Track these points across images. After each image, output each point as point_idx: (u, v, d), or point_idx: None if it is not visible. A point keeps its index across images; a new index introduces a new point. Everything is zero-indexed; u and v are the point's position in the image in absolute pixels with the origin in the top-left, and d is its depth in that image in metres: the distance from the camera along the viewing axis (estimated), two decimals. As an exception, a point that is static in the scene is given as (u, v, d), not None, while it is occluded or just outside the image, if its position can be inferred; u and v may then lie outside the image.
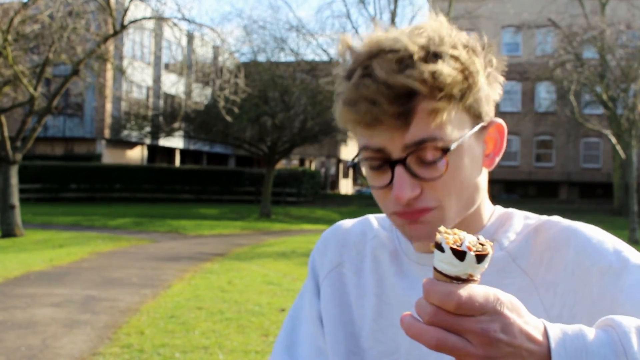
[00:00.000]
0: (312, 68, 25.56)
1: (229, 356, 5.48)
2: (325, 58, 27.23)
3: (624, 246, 0.84)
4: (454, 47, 0.82)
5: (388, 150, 0.82)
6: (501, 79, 0.90)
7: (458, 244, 0.62)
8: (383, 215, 1.05)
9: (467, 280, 0.62)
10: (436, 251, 0.63)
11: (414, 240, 0.87)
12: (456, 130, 0.82)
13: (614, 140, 21.17)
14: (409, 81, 0.78)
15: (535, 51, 32.20)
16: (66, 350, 5.63)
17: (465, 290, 0.61)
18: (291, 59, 26.01)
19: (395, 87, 0.78)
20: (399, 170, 0.82)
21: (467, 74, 0.82)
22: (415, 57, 0.79)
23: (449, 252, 0.62)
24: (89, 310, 7.26)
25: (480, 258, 0.61)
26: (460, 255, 0.61)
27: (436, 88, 0.79)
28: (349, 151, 46.61)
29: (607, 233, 0.87)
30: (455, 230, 0.65)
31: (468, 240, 0.62)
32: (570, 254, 0.84)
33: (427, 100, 0.79)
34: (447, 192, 0.84)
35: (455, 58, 0.81)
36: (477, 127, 0.85)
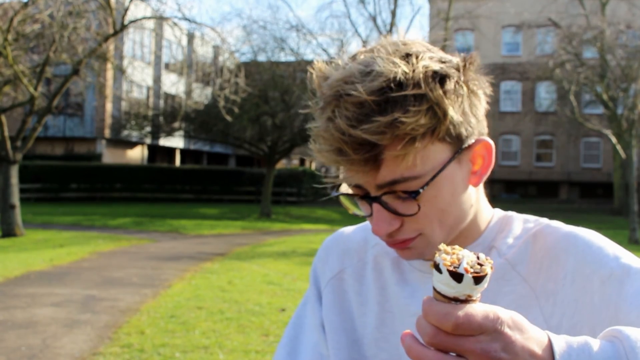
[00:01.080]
0: (312, 68, 25.50)
1: (229, 356, 5.48)
2: (325, 58, 27.19)
3: (624, 252, 0.83)
4: (416, 84, 0.79)
5: (364, 186, 0.83)
6: (486, 85, 0.88)
7: (456, 264, 0.61)
8: None
9: (465, 301, 0.61)
10: (435, 271, 0.62)
11: (405, 259, 0.90)
12: (431, 162, 0.81)
13: (614, 140, 21.18)
14: (367, 135, 0.77)
15: (535, 51, 32.18)
16: (66, 350, 5.63)
17: (463, 311, 0.60)
18: (291, 58, 26.02)
19: (356, 138, 0.78)
20: (376, 207, 0.83)
21: (434, 110, 0.79)
22: (372, 107, 0.78)
23: (446, 274, 0.61)
24: (89, 310, 7.26)
25: (478, 279, 0.61)
26: (457, 277, 0.61)
27: (396, 137, 0.78)
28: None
29: (607, 239, 0.86)
30: (455, 247, 0.64)
31: (466, 260, 0.62)
32: (570, 262, 0.84)
33: (390, 150, 0.78)
34: (428, 223, 0.84)
35: (420, 97, 0.79)
36: (454, 157, 0.83)
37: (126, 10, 15.06)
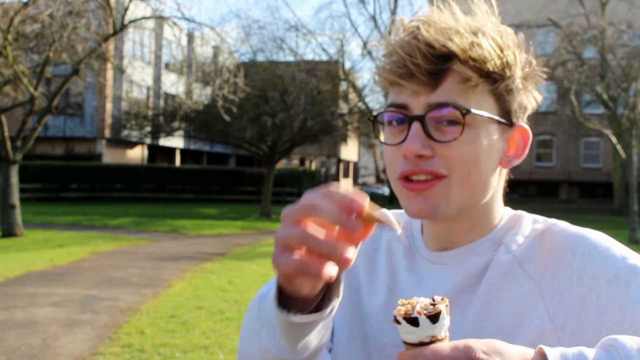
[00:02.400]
0: (312, 68, 25.56)
1: (229, 356, 5.48)
2: (324, 57, 27.23)
3: (631, 253, 0.83)
4: (500, 36, 0.87)
5: (410, 107, 0.85)
6: (539, 96, 0.92)
7: (410, 312, 0.64)
8: (399, 211, 1.05)
9: (431, 342, 0.64)
10: (397, 326, 0.65)
11: (414, 216, 0.88)
12: (481, 110, 0.85)
13: (614, 139, 21.16)
14: (450, 43, 0.82)
15: (536, 51, 32.16)
16: (66, 350, 5.63)
17: (429, 349, 0.63)
18: (290, 58, 26.02)
19: (434, 46, 0.82)
20: (415, 125, 0.84)
21: (504, 62, 0.86)
22: (461, 28, 0.84)
23: (404, 322, 0.64)
24: (90, 309, 7.26)
25: (434, 318, 0.63)
26: (413, 321, 0.64)
27: (472, 58, 0.83)
28: (348, 151, 46.61)
29: (614, 240, 0.86)
30: (413, 298, 0.67)
31: (419, 305, 0.65)
32: (577, 262, 0.84)
33: (461, 66, 0.82)
34: (458, 164, 0.84)
35: (497, 44, 0.86)
36: (498, 118, 0.87)
37: (126, 10, 15.05)
